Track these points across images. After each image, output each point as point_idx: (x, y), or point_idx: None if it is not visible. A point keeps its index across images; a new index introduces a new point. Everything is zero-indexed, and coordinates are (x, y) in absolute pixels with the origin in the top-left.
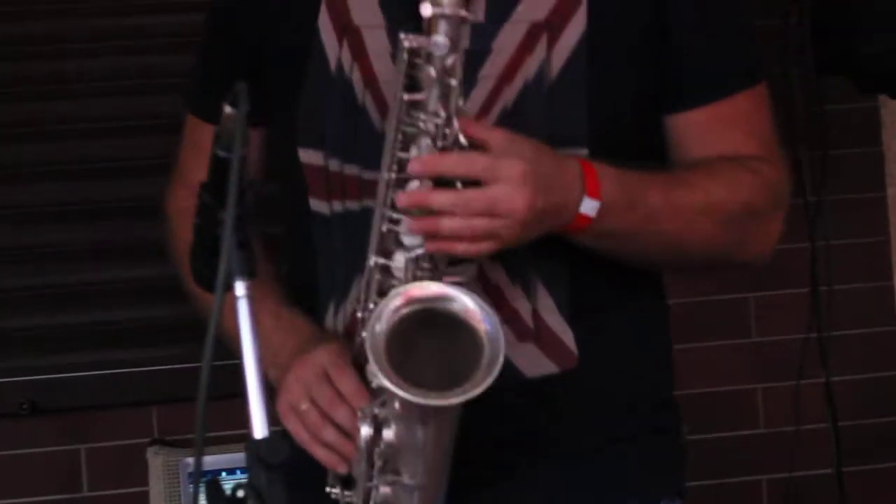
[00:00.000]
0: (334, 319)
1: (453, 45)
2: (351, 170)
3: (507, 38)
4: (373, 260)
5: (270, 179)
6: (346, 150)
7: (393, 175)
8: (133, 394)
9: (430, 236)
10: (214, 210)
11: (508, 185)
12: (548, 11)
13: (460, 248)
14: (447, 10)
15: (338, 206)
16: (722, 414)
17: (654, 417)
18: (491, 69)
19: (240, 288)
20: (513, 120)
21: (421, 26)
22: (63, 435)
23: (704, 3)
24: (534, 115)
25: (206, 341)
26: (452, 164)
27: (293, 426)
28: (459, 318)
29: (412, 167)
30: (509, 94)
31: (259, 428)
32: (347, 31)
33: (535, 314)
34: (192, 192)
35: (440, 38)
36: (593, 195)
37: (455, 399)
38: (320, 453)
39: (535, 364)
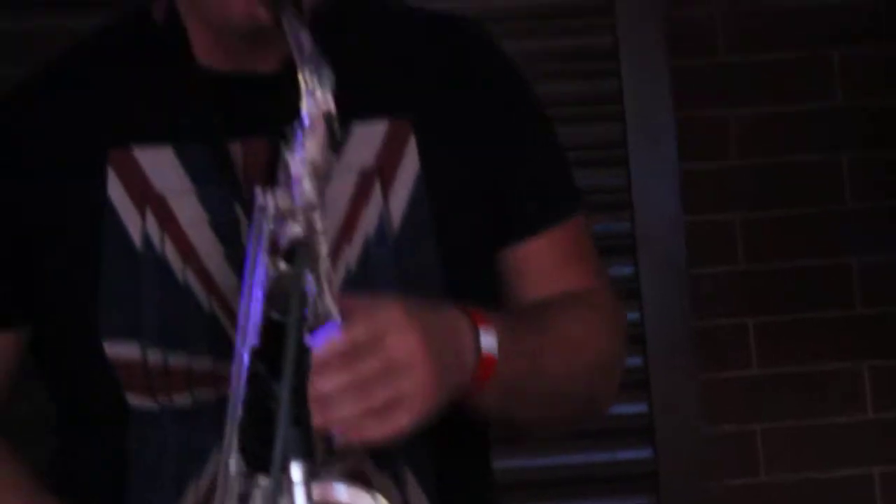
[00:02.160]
0: None
1: (321, 202)
2: (177, 360)
3: (338, 191)
4: (233, 464)
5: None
6: (167, 337)
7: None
8: None
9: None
10: (268, 382)
11: (395, 334)
12: (375, 155)
13: (374, 431)
14: (315, 162)
15: (164, 401)
16: None
17: None
18: (326, 227)
19: (296, 471)
20: (359, 282)
21: (237, 188)
22: None
23: (528, 134)
24: (382, 273)
25: None
26: (336, 349)
27: None
28: None
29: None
30: (351, 254)
31: None
32: (148, 199)
33: None
34: None
35: (309, 193)
36: (486, 328)
37: None
38: None
39: None
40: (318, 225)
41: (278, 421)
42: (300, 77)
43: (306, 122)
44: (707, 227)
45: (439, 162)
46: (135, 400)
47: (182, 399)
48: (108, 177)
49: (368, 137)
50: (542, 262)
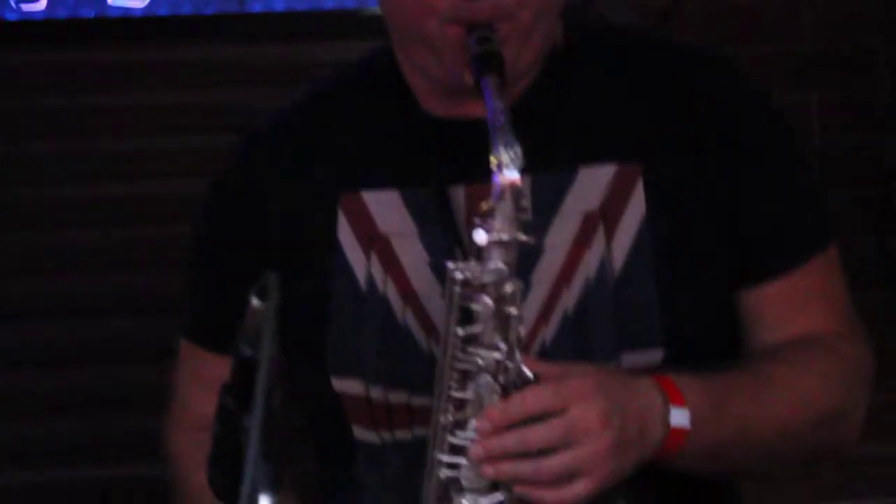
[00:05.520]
0: None
1: (511, 271)
2: (397, 397)
3: (560, 234)
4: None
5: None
6: (388, 375)
7: (450, 418)
8: None
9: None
10: (238, 415)
11: (579, 405)
12: (601, 198)
13: (549, 495)
14: (504, 237)
15: (387, 435)
16: None
17: None
18: (546, 271)
19: None
20: (576, 326)
21: (457, 231)
22: None
23: (771, 168)
24: (599, 318)
25: None
26: (521, 407)
27: None
28: None
29: (482, 428)
30: (569, 298)
31: None
32: (374, 241)
33: None
34: (197, 430)
35: (499, 265)
36: (678, 402)
37: None
38: None
39: None
40: (509, 291)
41: (248, 455)
42: (491, 152)
43: (496, 196)
44: None
45: (667, 207)
46: (360, 433)
47: (403, 434)
48: (339, 219)
49: (594, 181)
50: (780, 306)
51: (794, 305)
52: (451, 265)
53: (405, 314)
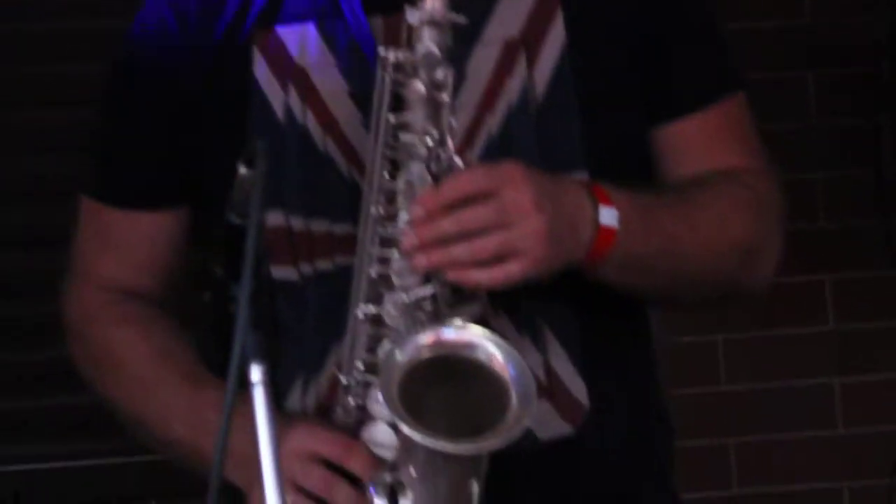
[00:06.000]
0: (303, 398)
1: (443, 54)
2: (319, 226)
3: (482, 61)
4: (360, 310)
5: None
6: (310, 204)
7: (381, 209)
8: (129, 487)
9: (441, 270)
10: (226, 284)
11: (511, 187)
12: (521, 26)
13: (482, 275)
14: (436, 16)
15: (307, 268)
16: None
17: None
18: (469, 96)
19: (255, 373)
20: (500, 148)
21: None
22: None
23: (685, 11)
24: (523, 141)
25: (219, 433)
26: (453, 191)
27: None
28: (486, 367)
29: (415, 214)
30: (493, 122)
31: None
32: (291, 73)
33: (548, 367)
34: (105, 291)
35: (431, 47)
36: (607, 203)
37: (476, 447)
38: None
39: (549, 425)
40: (440, 78)
41: (237, 323)
42: None
43: None
44: None
45: (587, 36)
46: (279, 272)
47: (324, 264)
48: (254, 57)
49: (514, 10)
50: (695, 141)
51: (708, 142)
52: (382, 49)
53: (325, 142)
